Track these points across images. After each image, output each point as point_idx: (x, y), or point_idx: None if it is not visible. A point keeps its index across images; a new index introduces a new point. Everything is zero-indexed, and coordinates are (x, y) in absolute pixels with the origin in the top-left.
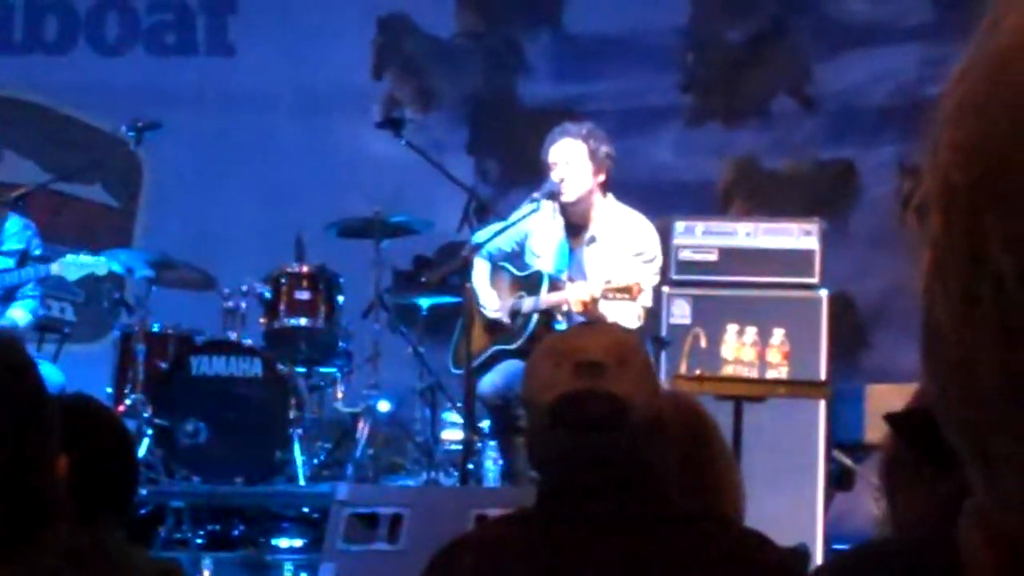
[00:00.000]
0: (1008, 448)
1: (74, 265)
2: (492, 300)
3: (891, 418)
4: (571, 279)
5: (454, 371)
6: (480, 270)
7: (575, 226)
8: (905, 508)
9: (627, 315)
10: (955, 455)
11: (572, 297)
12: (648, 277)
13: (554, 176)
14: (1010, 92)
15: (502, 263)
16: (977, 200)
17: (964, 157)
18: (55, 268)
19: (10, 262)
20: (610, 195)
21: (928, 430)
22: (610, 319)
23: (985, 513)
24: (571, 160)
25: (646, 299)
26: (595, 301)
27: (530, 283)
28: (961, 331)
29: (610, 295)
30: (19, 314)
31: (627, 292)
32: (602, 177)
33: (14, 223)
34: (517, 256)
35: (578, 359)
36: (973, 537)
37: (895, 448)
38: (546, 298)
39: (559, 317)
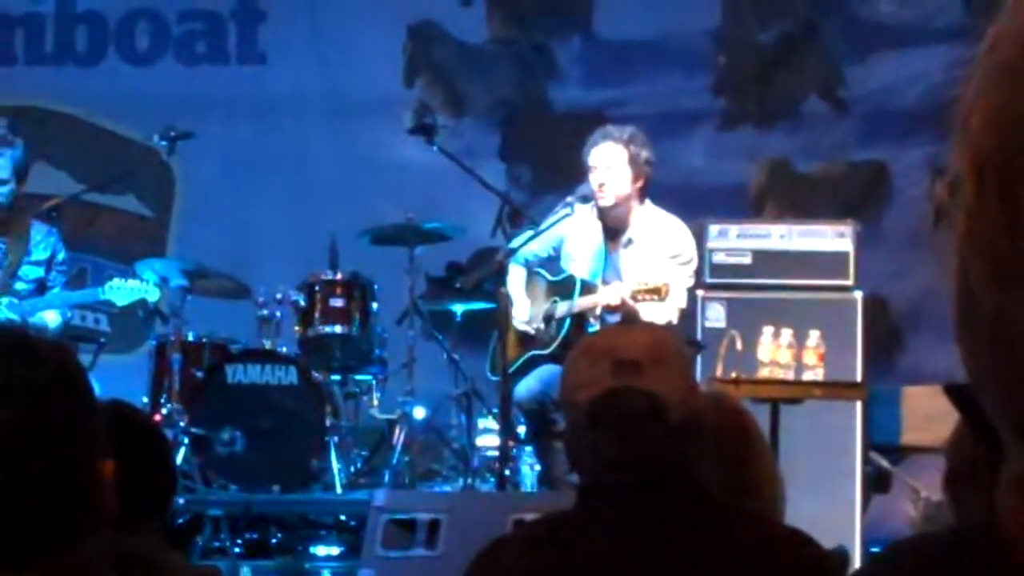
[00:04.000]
0: None
1: (123, 290)
2: (524, 308)
3: (949, 388)
4: (606, 282)
5: (492, 378)
6: (516, 276)
7: (612, 230)
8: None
9: (661, 315)
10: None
11: (604, 300)
12: (683, 278)
13: (593, 180)
14: None
15: (537, 269)
16: (1010, 166)
17: (996, 123)
18: (104, 293)
19: (40, 271)
20: (648, 200)
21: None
22: (645, 318)
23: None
24: (611, 164)
25: (681, 300)
26: (624, 302)
27: (563, 288)
28: (998, 300)
29: (640, 297)
30: (51, 316)
31: (656, 293)
32: (641, 183)
33: (38, 230)
34: (553, 261)
35: (615, 358)
36: (1013, 505)
37: (958, 457)
38: (579, 302)
39: (592, 321)
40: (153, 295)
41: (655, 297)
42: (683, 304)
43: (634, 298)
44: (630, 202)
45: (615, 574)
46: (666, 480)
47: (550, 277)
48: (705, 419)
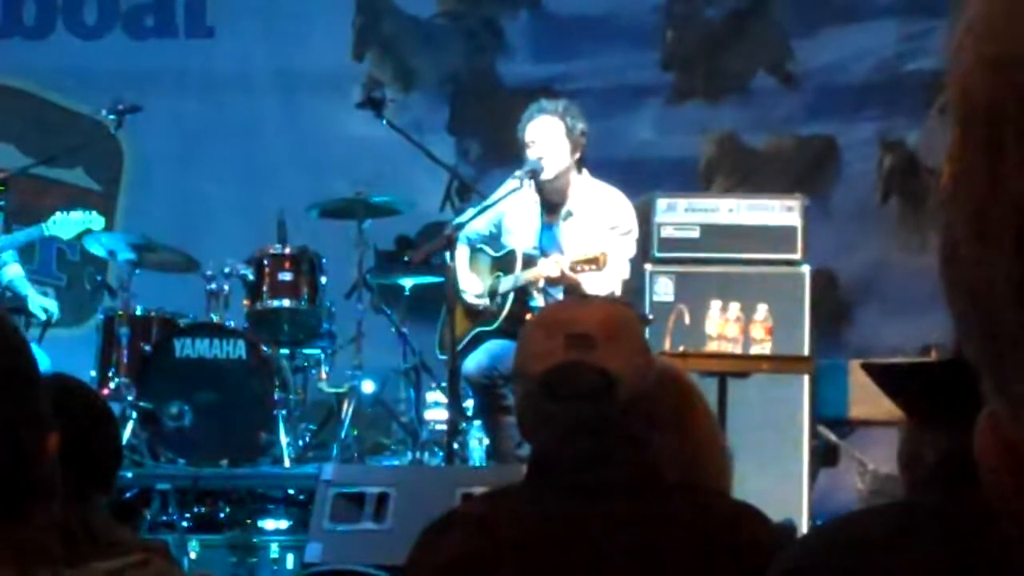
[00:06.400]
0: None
1: (67, 223)
2: (472, 285)
3: (868, 367)
4: (546, 254)
5: (441, 357)
6: (460, 255)
7: (551, 203)
8: None
9: (602, 286)
10: (935, 408)
11: (544, 272)
12: (623, 249)
13: (531, 154)
14: None
15: (480, 245)
16: (997, 116)
17: (986, 70)
18: (48, 228)
19: None
20: (585, 171)
21: (907, 382)
22: (586, 289)
23: (1000, 422)
24: (548, 138)
25: (622, 271)
26: (564, 274)
27: (505, 263)
28: (978, 250)
29: (579, 268)
30: (14, 270)
31: (594, 263)
32: (578, 154)
33: None
34: (495, 238)
35: (569, 331)
36: (987, 444)
37: (917, 467)
38: (522, 276)
39: (535, 293)
40: (97, 224)
41: (593, 267)
42: (625, 275)
43: (573, 269)
44: (568, 174)
45: (563, 549)
46: (615, 455)
47: (492, 253)
48: (656, 394)
